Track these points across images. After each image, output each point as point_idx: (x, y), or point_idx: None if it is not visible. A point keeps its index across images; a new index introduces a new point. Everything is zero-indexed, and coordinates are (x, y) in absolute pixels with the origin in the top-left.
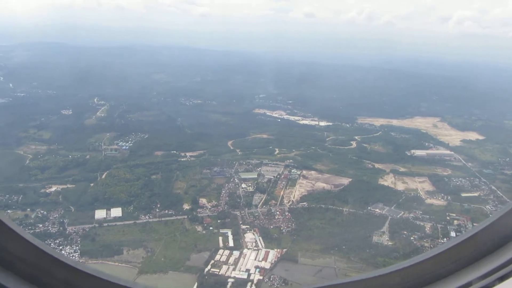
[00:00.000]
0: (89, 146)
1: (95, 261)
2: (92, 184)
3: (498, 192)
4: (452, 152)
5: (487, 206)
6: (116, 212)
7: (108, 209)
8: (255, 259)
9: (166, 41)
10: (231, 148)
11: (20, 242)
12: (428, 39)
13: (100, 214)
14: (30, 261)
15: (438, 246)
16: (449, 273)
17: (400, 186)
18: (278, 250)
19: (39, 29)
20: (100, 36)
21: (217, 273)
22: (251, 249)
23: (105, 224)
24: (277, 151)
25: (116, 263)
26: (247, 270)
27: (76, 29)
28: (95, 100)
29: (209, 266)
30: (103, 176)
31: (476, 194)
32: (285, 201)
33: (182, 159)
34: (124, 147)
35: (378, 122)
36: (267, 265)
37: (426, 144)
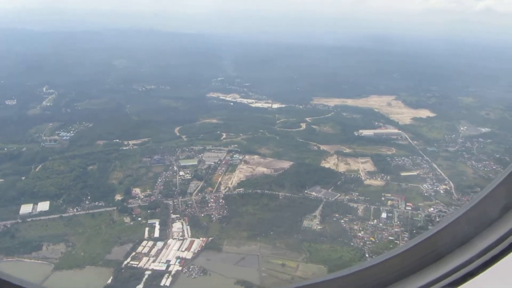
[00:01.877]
0: (27, 138)
1: (10, 259)
2: (23, 178)
3: (438, 170)
4: (400, 131)
5: (424, 185)
6: (43, 206)
7: (36, 204)
8: (178, 250)
9: (135, 25)
10: (177, 134)
11: None
12: (395, 16)
13: (26, 209)
14: None
15: (402, 245)
16: (412, 272)
17: (341, 168)
18: (204, 239)
19: None
20: (67, 20)
21: (135, 266)
22: (176, 239)
23: (29, 219)
24: (224, 136)
25: (32, 260)
26: (167, 262)
27: (40, 13)
28: (44, 88)
29: (128, 259)
30: (37, 169)
31: (415, 173)
32: (221, 188)
33: (123, 148)
34: (65, 138)
35: (333, 102)
36: (189, 255)
37: (376, 123)
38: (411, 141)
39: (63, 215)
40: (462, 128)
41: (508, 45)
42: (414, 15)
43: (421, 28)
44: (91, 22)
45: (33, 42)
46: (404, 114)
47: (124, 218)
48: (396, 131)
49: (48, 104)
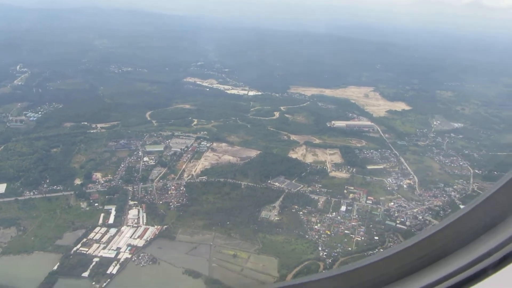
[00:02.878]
0: None
1: None
2: None
3: (405, 164)
4: (373, 124)
5: (388, 179)
6: (0, 188)
7: None
8: (130, 237)
9: (120, 4)
10: (148, 119)
11: None
12: (386, 6)
13: None
14: None
15: (404, 242)
16: (407, 273)
17: (309, 159)
18: (159, 227)
19: None
20: None
21: (84, 252)
22: (130, 226)
23: None
24: (195, 122)
25: None
26: (118, 249)
27: None
28: (18, 67)
29: (79, 245)
30: None
31: (381, 167)
32: (184, 175)
33: (91, 131)
34: (32, 118)
35: (310, 91)
36: (141, 242)
37: (350, 115)
38: (382, 134)
39: (19, 198)
40: (435, 123)
41: (495, 39)
42: (405, 5)
43: (411, 19)
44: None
45: (14, 18)
46: (380, 106)
47: (81, 203)
48: (369, 123)
49: (19, 83)
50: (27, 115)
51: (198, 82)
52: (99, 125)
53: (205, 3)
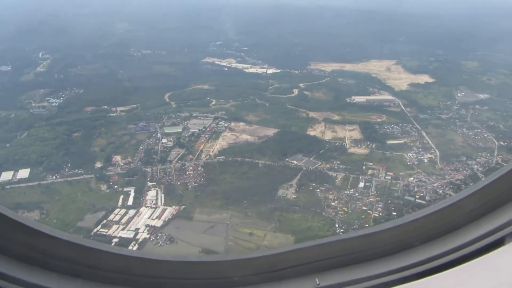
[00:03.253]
0: (17, 104)
1: None
2: (8, 145)
3: (426, 138)
4: (394, 98)
5: (409, 154)
6: (24, 173)
7: (16, 171)
8: (149, 218)
9: None
10: (167, 101)
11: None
12: None
13: (6, 176)
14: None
15: (393, 220)
16: (400, 249)
17: (328, 135)
18: (176, 207)
19: None
20: None
21: (104, 233)
22: (149, 207)
23: (8, 187)
24: (213, 102)
25: None
26: (136, 229)
27: None
28: (40, 54)
29: (99, 227)
30: (22, 136)
31: (402, 141)
32: (202, 156)
33: (111, 115)
34: (53, 104)
35: (331, 67)
36: (159, 223)
37: (371, 89)
38: (403, 108)
39: (42, 182)
40: (459, 95)
41: None
42: None
43: None
44: None
45: (34, 5)
46: (402, 80)
47: (101, 186)
48: (390, 97)
49: (42, 70)
50: (49, 101)
51: (216, 62)
52: (119, 109)
53: None
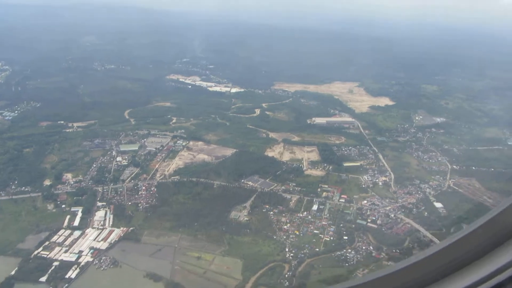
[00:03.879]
0: None
1: None
2: None
3: (383, 161)
4: (354, 120)
5: (364, 176)
6: None
7: None
8: (94, 239)
9: (114, 0)
10: (126, 117)
11: None
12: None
13: None
14: None
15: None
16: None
17: (286, 157)
18: (124, 228)
19: None
20: None
21: (45, 256)
22: (96, 228)
23: None
24: (174, 120)
25: None
26: (79, 252)
27: None
28: (0, 64)
29: (40, 249)
30: None
31: (358, 164)
32: (157, 175)
33: (67, 130)
34: (7, 118)
35: (294, 88)
36: (104, 245)
37: (332, 111)
38: (362, 130)
39: None
40: (417, 118)
41: (488, 30)
42: None
43: (404, 13)
44: None
45: (3, 15)
46: (364, 102)
47: (48, 205)
48: (350, 119)
49: None
50: (3, 114)
51: (181, 80)
52: (75, 124)
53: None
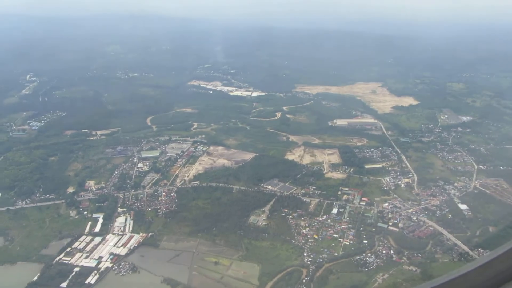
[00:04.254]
0: None
1: None
2: None
3: (406, 162)
4: (376, 121)
5: (386, 178)
6: None
7: None
8: (114, 245)
9: (133, 9)
10: (148, 124)
11: None
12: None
13: None
14: None
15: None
16: None
17: (306, 160)
18: (144, 234)
19: None
20: (67, 5)
21: (67, 262)
22: (116, 234)
23: None
24: (195, 126)
25: None
26: (100, 258)
27: None
28: (28, 76)
29: (62, 255)
30: None
31: (380, 165)
32: (177, 181)
33: (91, 138)
34: (34, 127)
35: (316, 90)
36: (124, 251)
37: (354, 112)
38: (385, 131)
39: (11, 207)
40: (442, 117)
41: None
42: None
43: (425, 11)
44: (90, 7)
45: (27, 28)
46: (387, 102)
47: (71, 212)
48: (372, 120)
49: (27, 93)
50: (30, 124)
51: (202, 85)
52: (99, 132)
53: (217, 5)
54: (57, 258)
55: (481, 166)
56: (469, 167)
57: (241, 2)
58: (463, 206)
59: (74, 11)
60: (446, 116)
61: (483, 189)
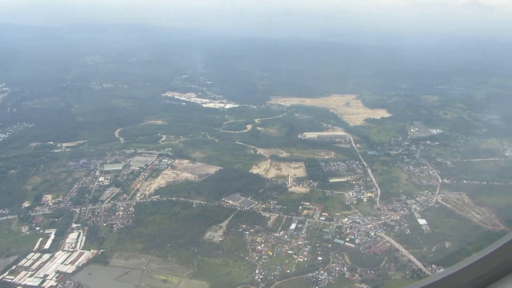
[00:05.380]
0: None
1: None
2: None
3: (371, 175)
4: (346, 133)
5: (349, 193)
6: None
7: None
8: (62, 263)
9: (121, 19)
10: (116, 136)
11: None
12: (383, 10)
13: None
14: None
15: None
16: None
17: (271, 173)
18: (95, 251)
19: None
20: (61, 14)
21: (10, 280)
22: (66, 250)
23: None
24: (163, 138)
25: None
26: (45, 276)
27: (34, 7)
28: (0, 86)
29: (6, 273)
30: None
31: (345, 179)
32: (137, 195)
33: (55, 151)
34: None
35: (290, 102)
36: (71, 269)
37: (325, 125)
38: (354, 144)
39: None
40: (413, 130)
41: (492, 38)
42: (402, 8)
43: (408, 22)
44: (74, 16)
45: (8, 37)
46: (359, 115)
47: (22, 227)
48: (342, 133)
49: None
50: None
51: (176, 97)
52: (65, 144)
53: (203, 15)
54: (0, 277)
55: (445, 180)
56: (434, 181)
57: (230, 13)
58: (422, 221)
59: (57, 20)
60: (416, 129)
61: (445, 204)
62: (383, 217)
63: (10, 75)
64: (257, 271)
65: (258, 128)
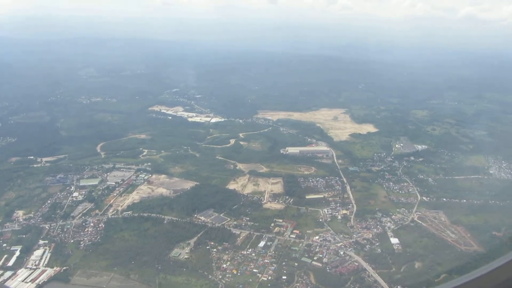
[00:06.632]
0: None
1: None
2: None
3: (349, 192)
4: (329, 149)
5: (324, 210)
6: None
7: None
8: (23, 280)
9: (117, 33)
10: (98, 151)
11: None
12: (380, 23)
13: None
14: None
15: None
16: None
17: (248, 189)
18: (57, 268)
19: None
20: (53, 28)
21: None
22: (29, 268)
23: None
24: (144, 153)
25: None
26: None
27: (30, 20)
28: None
29: None
30: None
31: (321, 196)
32: (110, 211)
33: (34, 165)
34: None
35: (278, 116)
36: (31, 287)
37: (309, 140)
38: (336, 160)
39: None
40: (397, 146)
41: (487, 51)
42: (399, 22)
43: (404, 36)
44: (77, 31)
45: (7, 51)
46: (346, 129)
47: None
48: (325, 148)
49: None
50: None
51: (163, 111)
52: (44, 159)
53: (200, 28)
54: None
55: (424, 198)
56: (412, 198)
57: (227, 27)
58: (394, 240)
59: (54, 34)
60: (401, 144)
61: (420, 222)
62: (355, 236)
63: (1, 89)
64: None
65: (241, 142)
